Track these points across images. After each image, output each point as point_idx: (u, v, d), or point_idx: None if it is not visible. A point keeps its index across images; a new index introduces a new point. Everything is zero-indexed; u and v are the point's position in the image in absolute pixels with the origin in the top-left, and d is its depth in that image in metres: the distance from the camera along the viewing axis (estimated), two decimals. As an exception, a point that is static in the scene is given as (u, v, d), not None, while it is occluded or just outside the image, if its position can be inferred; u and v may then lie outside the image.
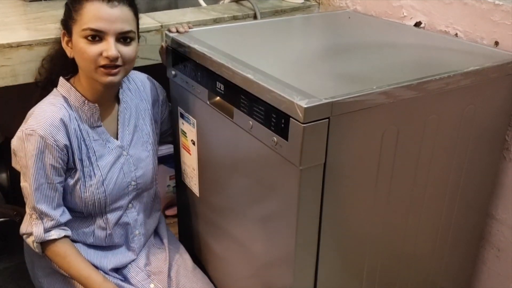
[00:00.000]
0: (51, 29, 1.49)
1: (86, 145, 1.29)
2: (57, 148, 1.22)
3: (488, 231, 1.49)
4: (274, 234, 1.14)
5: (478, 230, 1.47)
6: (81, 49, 1.20)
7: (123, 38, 1.22)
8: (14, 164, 1.29)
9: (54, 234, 1.27)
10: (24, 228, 1.29)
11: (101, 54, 1.19)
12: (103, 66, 1.20)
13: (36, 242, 1.27)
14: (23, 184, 1.26)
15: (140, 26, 1.51)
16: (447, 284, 1.46)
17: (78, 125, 1.27)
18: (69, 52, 1.26)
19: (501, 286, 1.50)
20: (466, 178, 1.29)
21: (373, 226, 1.17)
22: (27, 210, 1.28)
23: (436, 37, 1.44)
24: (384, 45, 1.38)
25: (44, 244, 1.28)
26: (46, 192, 1.24)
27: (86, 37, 1.18)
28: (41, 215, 1.25)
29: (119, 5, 1.20)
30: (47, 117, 1.23)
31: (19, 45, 1.38)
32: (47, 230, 1.26)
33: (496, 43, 1.34)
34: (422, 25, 1.53)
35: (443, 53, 1.31)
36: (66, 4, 1.24)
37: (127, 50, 1.22)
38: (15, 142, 1.25)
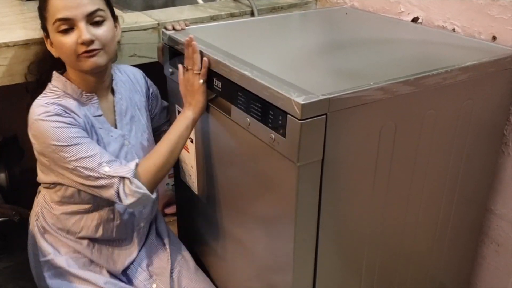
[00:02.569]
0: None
1: (95, 132, 1.28)
2: (74, 121, 1.22)
3: (487, 226, 1.49)
4: (272, 231, 1.14)
5: (477, 225, 1.47)
6: (59, 44, 1.21)
7: (94, 20, 1.21)
8: (52, 171, 1.25)
9: (131, 163, 1.23)
10: (112, 192, 1.20)
11: (77, 42, 1.19)
12: (83, 53, 1.20)
13: (132, 177, 1.20)
14: (70, 167, 1.20)
15: (137, 24, 1.51)
16: (447, 279, 1.46)
17: (85, 113, 1.27)
18: (53, 53, 1.26)
19: (500, 281, 1.50)
20: (465, 173, 1.29)
21: (372, 222, 1.17)
22: (99, 179, 1.20)
23: (434, 32, 1.44)
24: (382, 41, 1.37)
25: (136, 177, 1.22)
26: (95, 146, 1.22)
27: (59, 31, 1.19)
28: (111, 162, 1.21)
29: None
30: (55, 104, 1.21)
31: (15, 44, 1.38)
32: (125, 164, 1.22)
33: (494, 38, 1.34)
34: (419, 21, 1.53)
35: (441, 48, 1.30)
36: (38, 7, 1.26)
37: (102, 32, 1.22)
38: (37, 135, 1.20)
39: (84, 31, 1.18)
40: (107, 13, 1.25)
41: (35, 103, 1.23)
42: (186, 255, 1.51)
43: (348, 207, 1.12)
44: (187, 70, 1.26)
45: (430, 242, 1.34)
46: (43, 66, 1.34)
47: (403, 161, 1.15)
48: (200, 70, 1.24)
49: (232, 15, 1.71)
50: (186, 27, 1.44)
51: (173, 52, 1.38)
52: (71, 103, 1.25)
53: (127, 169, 1.21)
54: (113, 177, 1.20)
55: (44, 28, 1.25)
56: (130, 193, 1.20)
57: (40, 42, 1.34)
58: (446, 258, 1.40)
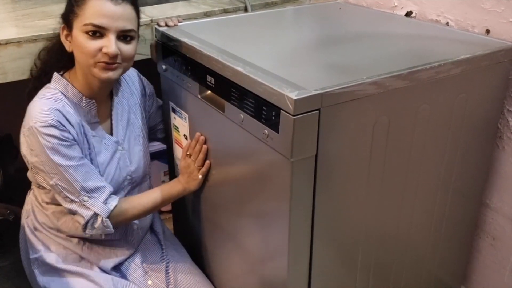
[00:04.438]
0: (40, 25, 1.48)
1: (87, 141, 1.28)
2: (68, 135, 1.20)
3: (482, 220, 1.49)
4: (267, 227, 1.14)
5: (473, 219, 1.47)
6: (81, 43, 1.18)
7: (124, 36, 1.21)
8: (33, 175, 1.26)
9: (113, 202, 1.26)
10: (82, 220, 1.24)
11: (100, 49, 1.17)
12: (102, 62, 1.19)
13: (105, 218, 1.24)
14: (50, 183, 1.21)
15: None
16: (442, 273, 1.46)
17: (80, 121, 1.26)
18: (67, 46, 1.24)
19: (496, 274, 1.51)
20: (460, 167, 1.29)
21: (367, 217, 1.17)
22: (74, 202, 1.23)
23: (427, 26, 1.44)
24: (375, 35, 1.37)
25: (110, 216, 1.26)
26: (83, 170, 1.22)
27: (87, 32, 1.17)
28: (93, 193, 1.23)
29: (123, 3, 1.19)
30: (53, 110, 1.20)
31: (7, 43, 1.37)
32: (105, 202, 1.25)
33: (487, 31, 1.34)
34: (413, 15, 1.53)
35: (434, 42, 1.30)
36: None
37: (127, 49, 1.22)
38: (28, 141, 1.19)
39: (113, 45, 1.17)
40: (136, 34, 1.25)
41: (35, 104, 1.22)
42: (181, 251, 1.51)
43: (343, 203, 1.11)
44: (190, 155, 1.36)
45: (426, 236, 1.34)
46: (51, 56, 1.32)
47: (397, 156, 1.14)
48: (202, 166, 1.34)
49: (225, 11, 1.70)
50: (179, 23, 1.44)
51: (166, 49, 1.38)
52: (68, 110, 1.23)
53: (105, 208, 1.24)
54: (88, 208, 1.23)
55: (68, 20, 1.21)
56: (97, 229, 1.26)
57: (54, 34, 1.33)
58: (441, 252, 1.40)
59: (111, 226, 1.26)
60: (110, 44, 1.17)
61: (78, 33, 1.19)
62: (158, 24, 1.42)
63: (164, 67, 1.41)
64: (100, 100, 1.31)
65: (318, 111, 0.96)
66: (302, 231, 1.08)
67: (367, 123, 1.06)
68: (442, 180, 1.28)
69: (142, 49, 1.54)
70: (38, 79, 1.30)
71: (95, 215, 1.24)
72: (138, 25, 1.27)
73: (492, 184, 1.43)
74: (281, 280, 1.14)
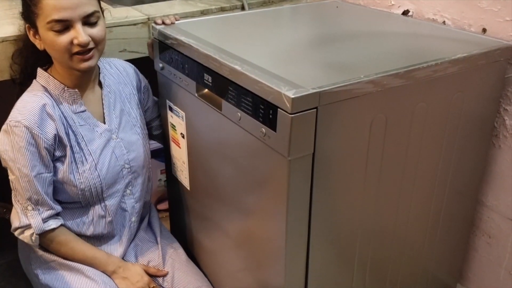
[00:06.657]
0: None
1: (73, 131, 1.28)
2: (43, 138, 1.21)
3: (478, 218, 1.50)
4: (264, 225, 1.14)
5: (469, 217, 1.47)
6: (51, 41, 1.18)
7: (89, 20, 1.20)
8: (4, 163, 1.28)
9: (53, 223, 1.27)
10: (17, 223, 1.27)
11: (72, 42, 1.18)
12: (77, 53, 1.19)
13: (36, 234, 1.26)
14: (11, 177, 1.24)
15: (127, 19, 1.49)
16: (439, 271, 1.47)
17: (62, 112, 1.27)
18: (38, 45, 1.24)
19: (492, 272, 1.51)
20: (456, 165, 1.30)
21: (364, 215, 1.17)
22: (19, 204, 1.26)
23: (424, 25, 1.44)
24: (372, 34, 1.37)
25: (43, 234, 1.27)
26: (39, 182, 1.23)
27: (52, 29, 1.17)
28: (37, 206, 1.24)
29: None
30: (31, 108, 1.22)
31: (4, 40, 1.36)
32: (45, 220, 1.26)
33: (484, 30, 1.34)
34: (410, 14, 1.53)
35: (431, 41, 1.30)
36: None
37: (96, 31, 1.21)
38: (1, 137, 1.23)
39: (82, 33, 1.17)
40: (101, 13, 1.24)
41: (17, 102, 1.24)
42: (178, 249, 1.51)
43: (340, 201, 1.12)
44: None
45: (422, 235, 1.34)
46: (26, 57, 1.32)
47: (394, 154, 1.15)
48: None
49: (222, 9, 1.70)
50: (176, 22, 1.44)
51: (163, 46, 1.37)
52: (47, 103, 1.24)
53: (41, 226, 1.26)
54: (27, 218, 1.25)
55: (30, 20, 1.21)
56: (24, 237, 1.28)
57: (20, 35, 1.32)
58: (438, 250, 1.41)
59: (37, 244, 1.29)
60: (79, 34, 1.17)
61: (45, 32, 1.19)
62: (155, 22, 1.41)
63: (161, 65, 1.41)
64: (86, 88, 1.32)
65: (315, 109, 0.97)
66: (299, 229, 1.08)
67: (365, 121, 1.06)
68: (438, 178, 1.28)
69: (139, 47, 1.54)
70: (23, 83, 1.31)
71: (29, 226, 1.26)
72: (99, 1, 1.26)
73: (488, 183, 1.44)
74: (278, 277, 1.14)
